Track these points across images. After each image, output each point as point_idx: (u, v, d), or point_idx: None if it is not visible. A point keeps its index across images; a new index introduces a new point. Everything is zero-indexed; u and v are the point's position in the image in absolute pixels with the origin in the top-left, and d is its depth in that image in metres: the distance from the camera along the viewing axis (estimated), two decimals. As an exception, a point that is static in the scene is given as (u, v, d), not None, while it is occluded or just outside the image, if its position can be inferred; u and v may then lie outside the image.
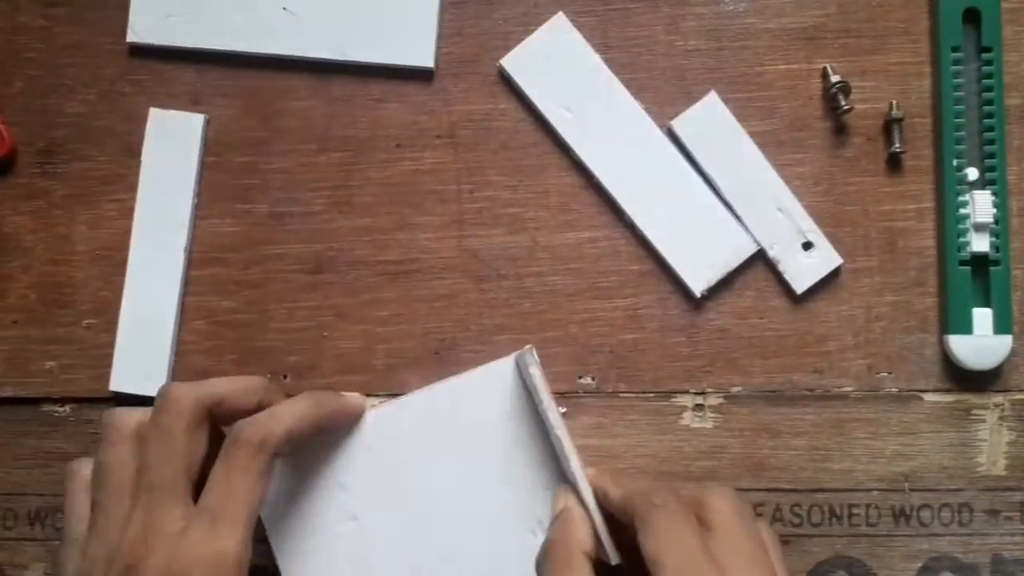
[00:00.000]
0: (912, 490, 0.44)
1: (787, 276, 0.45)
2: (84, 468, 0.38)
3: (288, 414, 0.37)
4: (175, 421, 0.36)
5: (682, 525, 0.33)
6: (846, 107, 0.44)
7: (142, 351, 0.45)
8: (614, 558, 0.37)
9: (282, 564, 0.42)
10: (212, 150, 0.46)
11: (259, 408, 0.38)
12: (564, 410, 0.45)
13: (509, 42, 0.45)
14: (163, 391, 0.37)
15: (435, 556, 0.42)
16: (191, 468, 0.36)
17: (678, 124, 0.45)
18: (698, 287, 0.45)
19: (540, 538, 0.41)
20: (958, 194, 0.44)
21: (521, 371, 0.41)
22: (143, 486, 0.35)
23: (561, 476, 0.41)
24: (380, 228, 0.46)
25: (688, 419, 0.45)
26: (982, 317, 0.44)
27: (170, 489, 0.35)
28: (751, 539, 0.34)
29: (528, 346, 0.40)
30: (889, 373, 0.45)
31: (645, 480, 0.38)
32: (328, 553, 0.42)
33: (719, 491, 0.36)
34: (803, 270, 0.45)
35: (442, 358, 0.45)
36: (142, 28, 0.46)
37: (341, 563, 0.42)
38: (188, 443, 0.36)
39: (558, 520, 0.38)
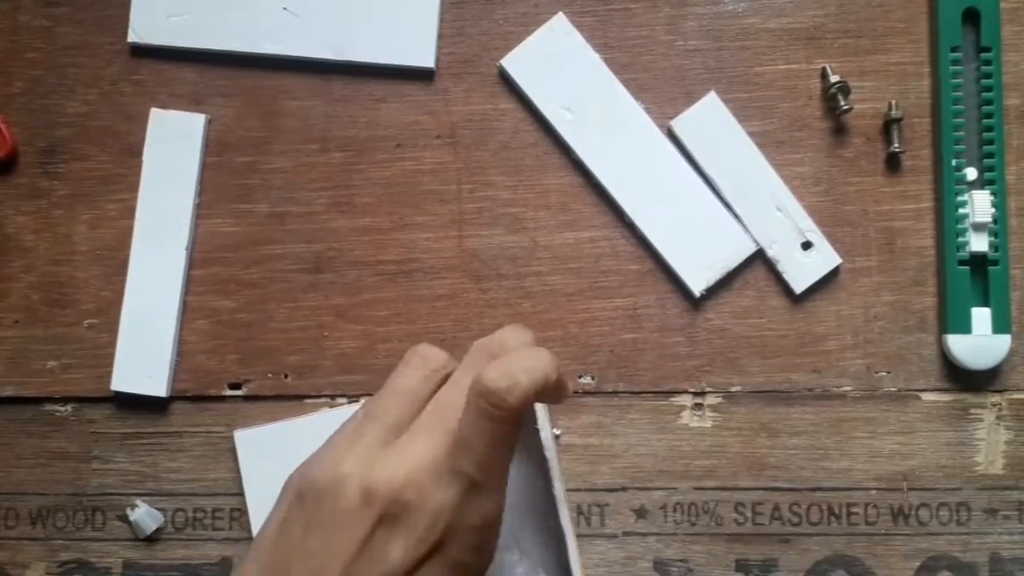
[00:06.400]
0: (910, 489, 0.45)
1: (786, 276, 0.45)
2: (436, 361, 0.35)
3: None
4: (505, 426, 0.31)
5: None
6: (845, 107, 0.44)
7: (143, 351, 0.45)
8: None
9: None
10: (213, 150, 0.46)
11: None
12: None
13: (509, 42, 0.45)
14: (513, 385, 0.31)
15: None
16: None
17: (678, 124, 0.45)
18: (697, 287, 0.45)
19: (515, 554, 0.40)
20: (957, 194, 0.44)
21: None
22: (457, 466, 0.31)
23: (546, 498, 0.40)
24: (380, 228, 0.46)
25: (687, 418, 0.45)
26: (981, 317, 0.44)
27: (491, 480, 0.32)
28: None
29: None
30: (888, 372, 0.45)
31: None
32: None
33: None
34: (802, 270, 0.45)
35: (442, 358, 0.45)
36: (143, 28, 0.46)
37: None
38: (510, 443, 0.33)
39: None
